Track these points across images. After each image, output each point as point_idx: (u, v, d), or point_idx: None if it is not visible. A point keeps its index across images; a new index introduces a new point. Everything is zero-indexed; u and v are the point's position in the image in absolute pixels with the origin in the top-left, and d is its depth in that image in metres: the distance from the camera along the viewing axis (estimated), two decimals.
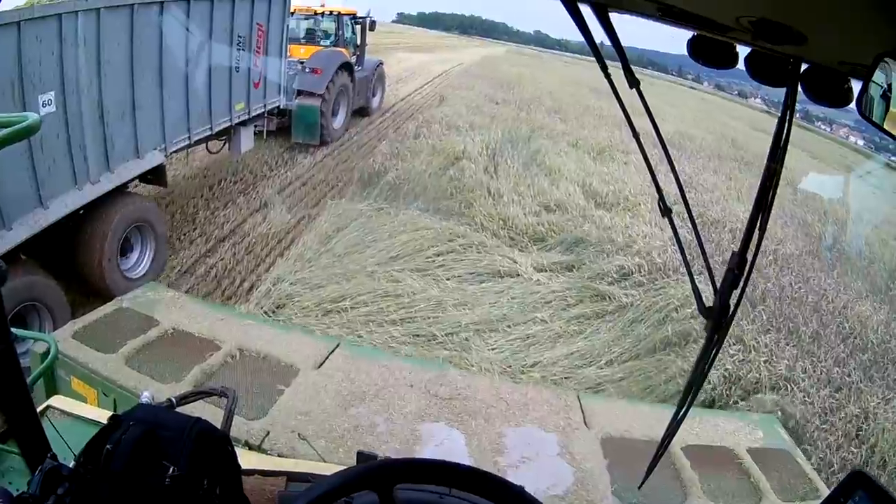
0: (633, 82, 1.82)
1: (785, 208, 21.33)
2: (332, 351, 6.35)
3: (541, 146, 22.87)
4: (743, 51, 1.75)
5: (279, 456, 4.66)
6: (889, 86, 1.38)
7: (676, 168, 2.08)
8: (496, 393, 6.07)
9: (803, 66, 1.74)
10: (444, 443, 5.30)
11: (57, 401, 3.82)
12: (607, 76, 1.88)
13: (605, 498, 4.97)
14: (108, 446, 1.74)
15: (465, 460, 4.92)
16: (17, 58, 7.69)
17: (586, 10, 1.56)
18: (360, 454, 2.91)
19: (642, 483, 3.49)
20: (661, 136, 1.99)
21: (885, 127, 1.42)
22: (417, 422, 5.53)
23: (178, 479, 1.74)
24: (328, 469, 2.98)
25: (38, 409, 3.78)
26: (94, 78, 9.07)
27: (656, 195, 2.10)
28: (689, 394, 2.39)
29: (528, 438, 5.53)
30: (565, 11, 1.64)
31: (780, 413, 8.72)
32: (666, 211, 2.07)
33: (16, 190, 8.08)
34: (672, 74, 71.29)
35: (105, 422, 2.34)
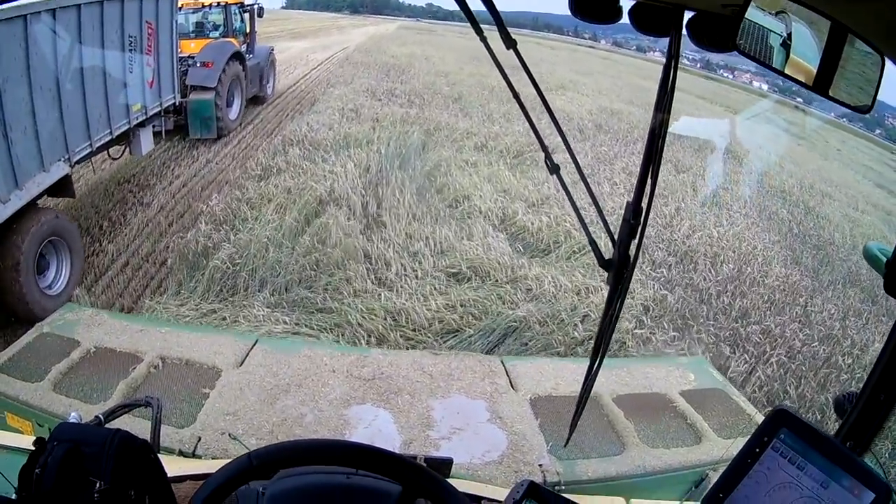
0: (510, 43, 1.86)
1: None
2: (252, 347, 6.36)
3: (440, 159, 18.11)
4: (626, 4, 1.80)
5: (213, 460, 4.56)
6: (789, 35, 1.55)
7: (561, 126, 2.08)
8: (419, 367, 6.13)
9: (687, 14, 1.81)
10: (373, 423, 5.33)
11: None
12: (483, 39, 1.93)
13: (541, 458, 5.04)
14: (36, 470, 1.77)
15: (396, 438, 5.06)
16: None
17: None
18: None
19: (567, 440, 3.66)
20: (541, 93, 2.02)
21: (787, 72, 1.62)
22: (344, 406, 5.55)
23: (106, 493, 1.78)
24: None
25: None
26: None
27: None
28: (601, 345, 2.41)
29: (457, 408, 5.60)
30: None
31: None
32: (554, 168, 2.09)
33: None
34: (569, 35, 71.03)
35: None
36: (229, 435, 4.94)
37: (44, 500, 1.73)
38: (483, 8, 1.80)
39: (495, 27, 1.90)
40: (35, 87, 9.69)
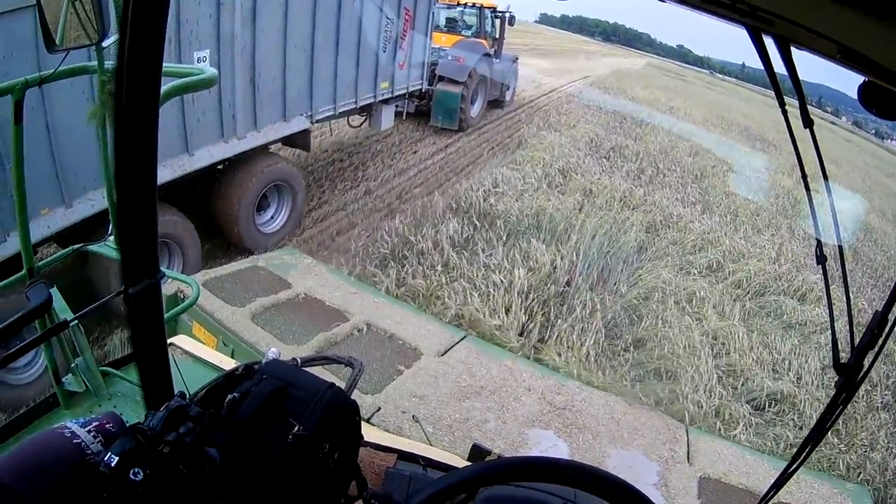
0: (808, 122, 1.78)
1: None
2: (458, 342, 6.42)
3: (655, 283, 12.13)
4: None
5: (391, 433, 4.81)
6: None
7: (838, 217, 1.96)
8: (609, 411, 6.03)
9: None
10: (549, 451, 5.27)
11: (180, 340, 4.03)
12: (784, 112, 1.83)
13: None
14: (234, 394, 1.78)
15: None
16: (175, 15, 8.06)
17: (769, 42, 1.50)
18: (475, 447, 3.04)
19: None
20: (827, 179, 1.93)
21: None
22: (527, 426, 5.52)
23: (301, 439, 1.76)
24: (438, 454, 3.07)
25: None
26: (248, 42, 9.46)
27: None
28: (805, 450, 2.26)
29: (630, 463, 5.50)
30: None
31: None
32: (821, 259, 2.00)
33: (164, 135, 8.35)
34: (812, 105, 68.57)
35: (224, 368, 2.38)
36: (413, 417, 5.04)
37: (235, 425, 1.72)
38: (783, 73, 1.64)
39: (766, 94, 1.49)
40: (289, 44, 10.40)
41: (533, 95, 29.45)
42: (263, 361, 2.12)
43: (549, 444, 5.40)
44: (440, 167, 16.90)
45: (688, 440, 6.01)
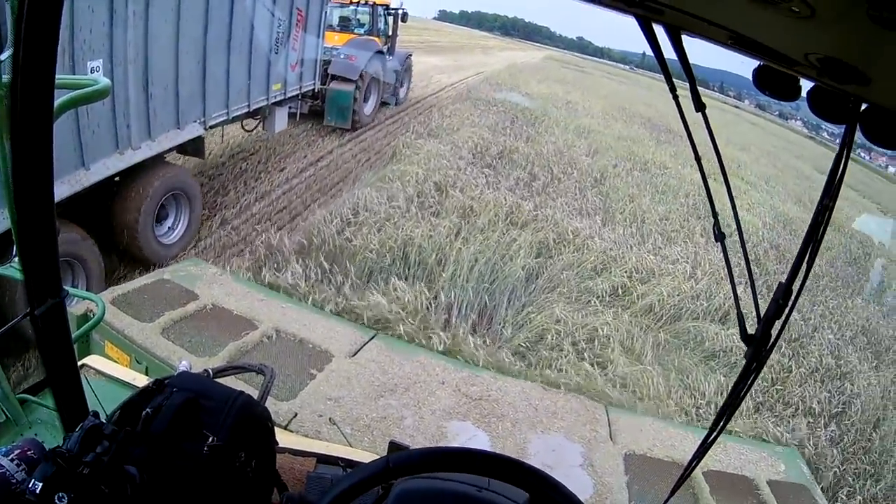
0: (700, 106, 1.83)
1: None
2: (368, 341, 6.56)
3: (544, 325, 10.58)
4: (805, 84, 1.71)
5: (308, 437, 4.82)
6: None
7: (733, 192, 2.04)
8: (526, 398, 6.23)
9: (863, 106, 1.72)
10: (469, 442, 5.37)
11: (92, 360, 4.02)
12: (675, 98, 1.90)
13: None
14: (147, 409, 1.81)
15: None
16: (69, 25, 7.97)
17: (659, 31, 1.58)
18: (392, 443, 3.11)
19: (665, 502, 3.73)
20: (721, 161, 1.98)
21: None
22: (445, 419, 5.68)
23: (217, 449, 1.83)
24: (357, 454, 3.18)
25: None
26: (140, 49, 9.42)
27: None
28: (721, 419, 2.38)
29: (553, 446, 5.69)
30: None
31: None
32: (719, 236, 2.10)
33: (59, 150, 8.30)
34: (714, 90, 69.71)
35: (138, 385, 2.40)
36: (329, 419, 5.15)
37: (151, 439, 1.77)
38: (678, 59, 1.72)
39: (658, 76, 1.86)
40: (182, 50, 10.40)
41: (420, 95, 28.32)
42: (175, 375, 2.15)
43: (469, 436, 5.55)
44: (306, 187, 15.67)
45: (608, 419, 6.24)
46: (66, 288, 1.98)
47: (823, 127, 55.33)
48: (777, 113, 65.16)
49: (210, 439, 1.83)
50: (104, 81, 2.72)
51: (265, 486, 2.24)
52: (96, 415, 1.72)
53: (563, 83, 43.62)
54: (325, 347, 6.33)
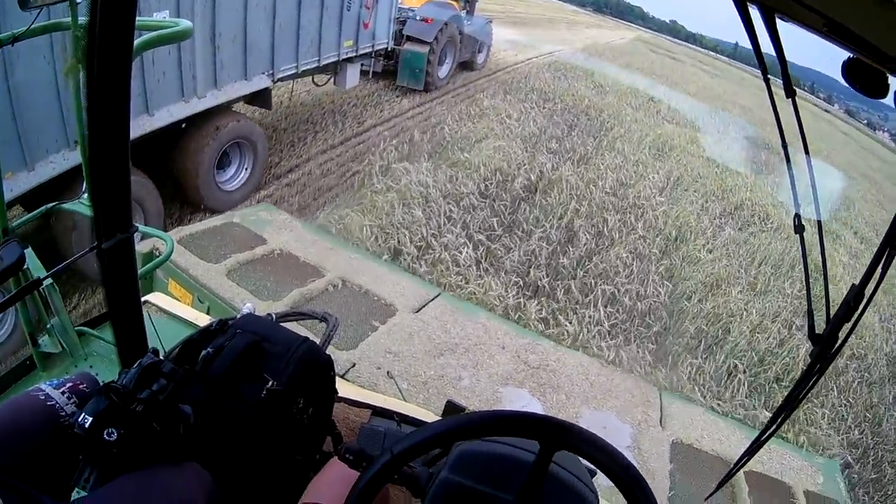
0: (790, 92, 1.84)
1: None
2: (433, 299, 6.81)
3: None
4: (893, 82, 1.60)
5: (367, 389, 5.18)
6: None
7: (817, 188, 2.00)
8: (584, 372, 6.42)
9: None
10: (521, 409, 5.63)
11: (155, 297, 4.31)
12: (766, 80, 1.92)
13: (660, 501, 5.34)
14: (209, 349, 1.93)
15: None
16: None
17: (754, 13, 1.56)
18: (449, 403, 3.21)
19: (709, 496, 3.91)
20: (808, 150, 2.04)
21: None
22: (501, 384, 5.91)
23: (275, 395, 1.92)
24: (413, 409, 3.39)
25: None
26: (208, 1, 9.98)
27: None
28: (778, 419, 2.39)
29: (603, 423, 5.87)
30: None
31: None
32: (799, 228, 2.10)
33: None
34: (805, 90, 66.79)
35: (199, 324, 2.60)
36: (388, 373, 5.37)
37: (209, 381, 1.88)
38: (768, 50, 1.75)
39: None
40: (251, 3, 10.96)
41: (462, 80, 23.51)
42: (238, 317, 2.32)
43: (523, 403, 5.76)
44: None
45: (661, 404, 6.41)
46: (136, 224, 2.02)
47: None
48: (866, 122, 62.67)
49: (270, 383, 1.94)
50: (185, 23, 2.94)
51: (320, 434, 2.34)
52: (156, 352, 1.74)
53: (648, 73, 37.35)
54: (389, 301, 6.55)
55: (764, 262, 14.57)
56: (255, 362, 1.97)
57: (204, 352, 1.94)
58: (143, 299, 3.90)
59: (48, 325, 3.71)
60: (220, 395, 1.89)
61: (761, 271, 14.04)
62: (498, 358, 6.24)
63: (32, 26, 2.86)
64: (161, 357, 1.79)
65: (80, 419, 1.44)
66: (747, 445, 2.44)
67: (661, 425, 6.15)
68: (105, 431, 1.45)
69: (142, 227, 3.16)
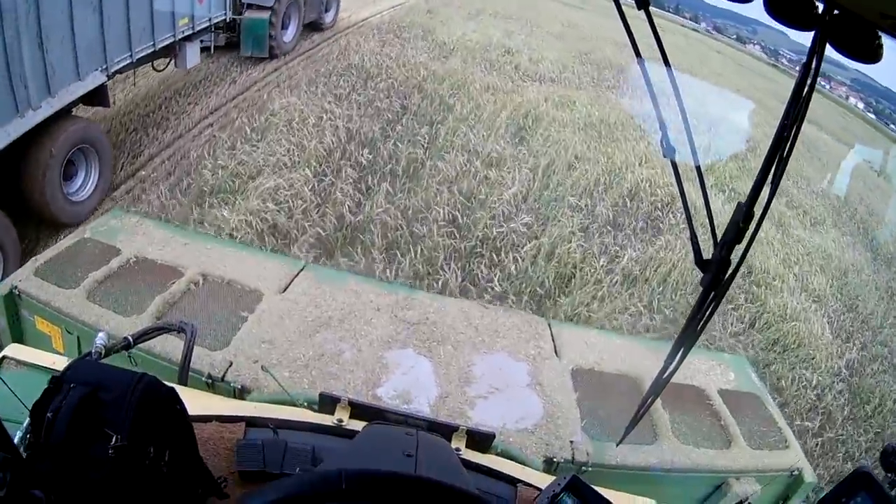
0: (642, 3, 1.82)
1: None
2: (297, 273, 6.69)
3: None
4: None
5: (242, 389, 5.10)
6: None
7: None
8: (466, 318, 6.40)
9: (834, 12, 1.69)
10: (411, 371, 5.63)
11: (12, 350, 4.07)
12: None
13: (574, 433, 5.30)
14: (48, 414, 1.76)
15: (433, 390, 5.40)
16: None
17: None
18: (322, 395, 3.22)
19: (620, 441, 3.92)
20: (669, 66, 2.01)
21: None
22: (384, 349, 5.83)
23: (122, 450, 1.76)
24: (288, 411, 3.30)
25: None
26: (32, 6, 9.46)
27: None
28: (681, 346, 2.43)
29: (498, 366, 5.87)
30: None
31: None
32: (669, 151, 2.07)
33: None
34: (668, 11, 66.89)
35: (59, 370, 2.58)
36: (262, 367, 5.20)
37: (52, 451, 1.73)
38: None
39: None
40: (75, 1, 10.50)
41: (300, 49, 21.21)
42: (94, 350, 2.38)
43: (410, 364, 5.73)
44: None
45: (552, 334, 6.44)
46: None
47: (782, 53, 54.45)
48: (735, 36, 63.63)
49: (113, 439, 1.77)
50: None
51: (188, 479, 2.18)
52: None
53: (503, 17, 33.86)
54: (254, 286, 6.40)
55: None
56: (95, 417, 1.80)
57: (45, 418, 1.77)
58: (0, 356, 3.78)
59: None
60: (67, 464, 1.73)
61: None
62: (375, 322, 6.16)
63: None
64: (27, 422, 1.80)
65: None
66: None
67: (557, 355, 6.18)
68: None
69: None
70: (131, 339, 2.73)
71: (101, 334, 2.67)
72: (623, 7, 1.90)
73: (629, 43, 2.05)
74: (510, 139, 17.10)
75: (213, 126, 15.87)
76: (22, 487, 1.51)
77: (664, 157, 2.07)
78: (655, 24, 1.81)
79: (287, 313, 6.09)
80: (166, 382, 2.06)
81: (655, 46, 1.97)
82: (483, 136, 16.71)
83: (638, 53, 2.03)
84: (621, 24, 1.99)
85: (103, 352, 2.77)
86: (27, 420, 1.90)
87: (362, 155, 14.77)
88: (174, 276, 6.43)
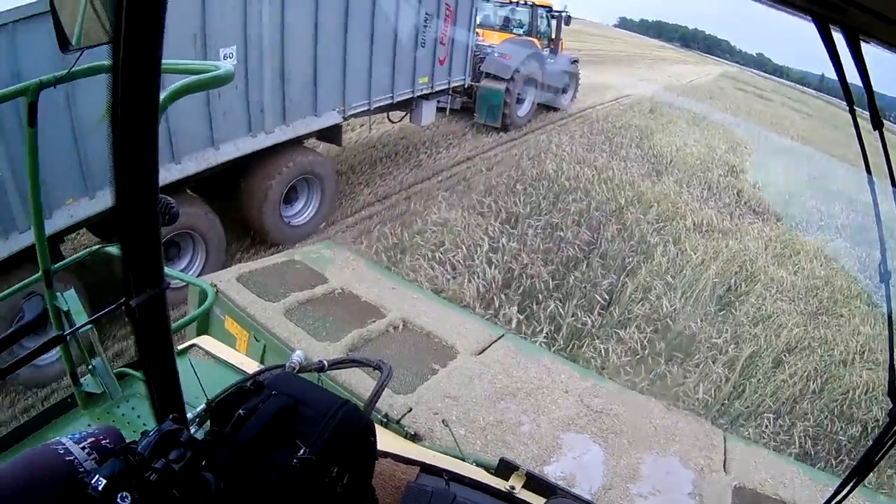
0: (878, 123, 1.72)
1: None
2: (496, 340, 6.70)
3: None
4: None
5: (415, 435, 5.12)
6: None
7: None
8: (647, 415, 6.29)
9: None
10: (583, 456, 5.54)
11: (203, 341, 4.34)
12: (852, 112, 1.78)
13: None
14: (241, 411, 1.83)
15: (599, 479, 5.30)
16: (200, 11, 8.89)
17: (838, 38, 1.44)
18: (502, 460, 3.24)
19: None
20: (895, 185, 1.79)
21: None
22: (562, 429, 5.78)
23: (307, 463, 1.79)
24: (464, 467, 3.30)
25: (183, 346, 4.36)
26: (277, 36, 10.28)
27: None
28: (849, 484, 2.24)
29: (666, 469, 5.73)
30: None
31: None
32: (885, 276, 1.96)
33: (189, 129, 9.36)
34: (893, 122, 62.78)
35: (246, 370, 2.51)
36: (442, 420, 5.20)
37: (236, 446, 1.79)
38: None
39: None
40: (321, 38, 11.25)
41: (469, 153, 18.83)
42: (288, 365, 2.40)
43: (583, 450, 5.64)
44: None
45: (725, 447, 6.22)
46: (170, 274, 2.01)
47: None
48: None
49: (302, 451, 1.81)
50: (225, 68, 2.80)
51: (357, 502, 2.21)
52: (177, 419, 1.68)
53: (731, 124, 30.34)
54: (451, 343, 6.46)
55: None
56: (289, 427, 1.87)
57: (236, 414, 1.85)
58: (191, 342, 4.10)
59: (90, 366, 3.74)
60: (248, 461, 1.79)
61: None
62: (560, 402, 6.10)
63: (73, 69, 2.77)
64: (203, 405, 1.98)
65: (94, 480, 1.40)
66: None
67: (725, 469, 5.95)
68: (119, 495, 1.40)
69: (182, 276, 3.10)
70: (326, 364, 2.72)
71: (298, 352, 2.68)
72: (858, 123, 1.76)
73: (861, 165, 1.87)
74: (712, 309, 12.54)
75: (440, 185, 15.95)
76: (194, 468, 1.57)
77: (880, 281, 1.96)
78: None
79: (478, 375, 6.10)
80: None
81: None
82: (679, 301, 12.30)
83: (870, 177, 1.89)
84: (856, 142, 1.81)
85: (297, 368, 2.78)
86: (202, 406, 2.11)
87: (512, 311, 11.02)
88: (375, 315, 6.59)
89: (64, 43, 2.35)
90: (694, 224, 16.02)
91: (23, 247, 7.75)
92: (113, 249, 3.81)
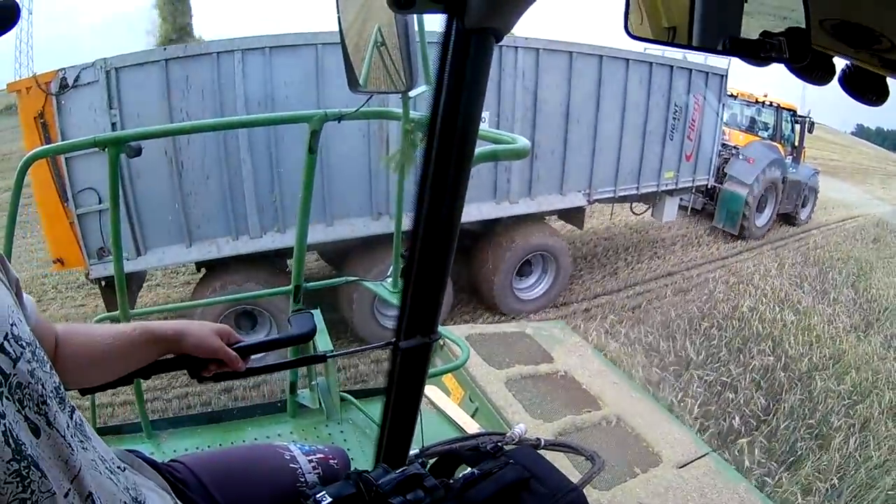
0: None
1: None
2: (700, 457, 6.59)
3: None
4: None
5: None
6: None
7: None
8: None
9: None
10: None
11: (427, 389, 4.50)
12: None
13: None
14: (475, 470, 1.84)
15: None
16: None
17: None
18: None
19: None
20: None
21: None
22: None
23: None
24: None
25: None
26: (528, 109, 10.81)
27: None
28: None
29: None
30: None
31: None
32: None
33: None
34: None
35: (464, 428, 2.69)
36: None
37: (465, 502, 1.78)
38: None
39: None
40: (572, 119, 11.68)
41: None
42: (508, 434, 2.37)
43: None
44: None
45: None
46: (438, 331, 1.99)
47: None
48: None
49: None
50: (523, 142, 2.97)
51: None
52: (424, 464, 1.79)
53: None
54: (657, 450, 6.41)
55: None
56: (517, 498, 1.86)
57: (468, 471, 1.87)
58: None
59: (313, 383, 4.06)
60: None
61: None
62: None
63: (362, 109, 3.19)
64: (414, 452, 1.95)
65: (319, 495, 1.50)
66: None
67: None
68: None
69: (446, 333, 3.35)
70: (543, 442, 2.66)
71: (521, 425, 2.60)
72: None
73: None
74: None
75: (669, 286, 15.54)
76: None
77: None
78: None
79: (672, 488, 6.05)
80: None
81: None
82: None
83: None
84: None
85: (517, 439, 2.93)
86: (415, 450, 2.09)
87: None
88: (591, 406, 6.66)
89: (353, 83, 2.70)
90: (890, 405, 11.33)
91: (244, 252, 9.02)
92: (370, 285, 4.11)
